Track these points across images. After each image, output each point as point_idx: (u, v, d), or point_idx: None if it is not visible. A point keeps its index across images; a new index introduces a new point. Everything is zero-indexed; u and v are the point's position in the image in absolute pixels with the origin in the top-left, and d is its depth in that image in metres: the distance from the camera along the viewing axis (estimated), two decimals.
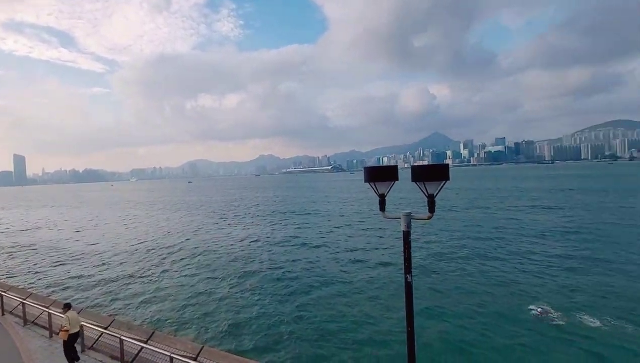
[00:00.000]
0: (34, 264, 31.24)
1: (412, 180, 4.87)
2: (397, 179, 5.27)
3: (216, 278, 24.55)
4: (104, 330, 12.16)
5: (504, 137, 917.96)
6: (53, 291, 23.33)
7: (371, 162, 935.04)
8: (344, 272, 24.58)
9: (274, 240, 37.09)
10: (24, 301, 15.09)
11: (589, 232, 33.37)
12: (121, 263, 30.03)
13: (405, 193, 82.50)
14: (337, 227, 43.71)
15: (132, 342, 10.94)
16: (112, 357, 11.32)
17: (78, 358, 11.08)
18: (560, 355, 12.98)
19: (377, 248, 30.90)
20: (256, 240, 37.57)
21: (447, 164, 5.13)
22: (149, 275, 26.03)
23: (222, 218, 59.23)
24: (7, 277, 26.93)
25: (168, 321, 17.68)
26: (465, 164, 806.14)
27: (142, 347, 10.88)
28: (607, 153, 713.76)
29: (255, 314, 17.92)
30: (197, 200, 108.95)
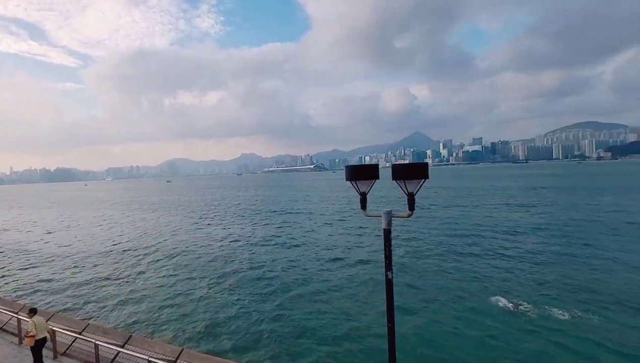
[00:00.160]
0: (1, 268, 29.69)
1: (393, 179, 4.94)
2: (378, 178, 5.33)
3: (195, 278, 24.11)
4: (78, 335, 11.73)
5: (481, 137, 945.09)
6: (22, 295, 22.27)
7: (353, 161, 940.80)
8: (324, 270, 24.68)
9: (254, 240, 36.75)
10: None
11: (558, 229, 34.88)
12: (95, 266, 28.98)
13: (386, 192, 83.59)
14: (318, 226, 43.78)
15: (108, 347, 10.59)
16: None
17: None
18: (530, 345, 13.53)
19: (357, 246, 31.16)
20: (236, 240, 37.12)
21: (427, 163, 5.23)
22: (124, 277, 25.26)
23: (201, 218, 58.16)
24: None
25: (145, 324, 17.22)
26: (445, 163, 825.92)
27: (119, 352, 10.55)
28: (576, 153, 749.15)
29: (235, 314, 17.75)
30: (176, 199, 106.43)
